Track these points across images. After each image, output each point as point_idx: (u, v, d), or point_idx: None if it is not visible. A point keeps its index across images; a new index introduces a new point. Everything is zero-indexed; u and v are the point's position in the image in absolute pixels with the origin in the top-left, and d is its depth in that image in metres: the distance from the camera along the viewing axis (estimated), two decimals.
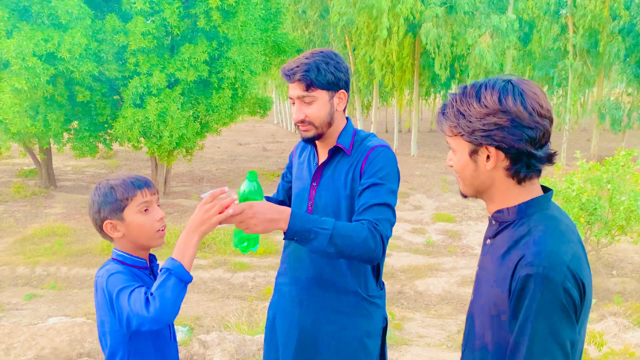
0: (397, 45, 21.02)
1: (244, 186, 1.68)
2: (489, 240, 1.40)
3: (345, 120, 1.88)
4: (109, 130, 15.78)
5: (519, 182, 1.32)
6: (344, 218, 1.82)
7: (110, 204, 1.62)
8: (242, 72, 15.81)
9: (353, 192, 1.81)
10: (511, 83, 1.26)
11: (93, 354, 3.77)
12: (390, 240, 9.89)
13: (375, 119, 27.25)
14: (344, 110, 1.85)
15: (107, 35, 13.67)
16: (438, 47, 19.92)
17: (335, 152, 1.86)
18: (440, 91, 31.61)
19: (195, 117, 15.98)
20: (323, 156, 1.89)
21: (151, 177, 17.94)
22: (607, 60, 22.44)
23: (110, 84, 14.72)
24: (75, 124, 15.62)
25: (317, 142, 1.89)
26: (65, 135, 15.68)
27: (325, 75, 1.72)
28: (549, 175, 10.53)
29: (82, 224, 13.94)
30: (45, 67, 12.24)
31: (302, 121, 1.79)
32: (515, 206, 1.33)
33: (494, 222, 1.39)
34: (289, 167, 2.10)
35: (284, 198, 2.17)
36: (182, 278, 1.50)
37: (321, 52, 1.77)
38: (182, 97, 14.87)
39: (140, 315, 1.42)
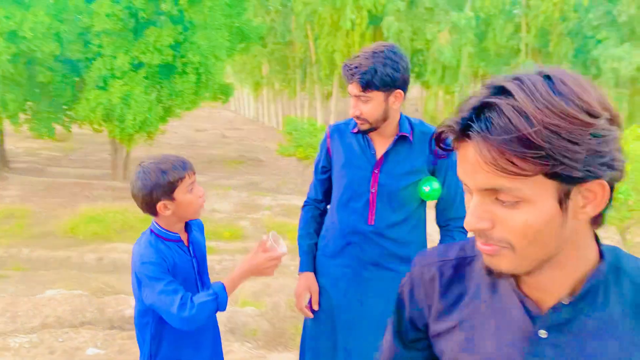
0: (359, 36, 21.45)
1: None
2: (543, 332, 0.81)
3: (399, 113, 2.01)
4: (68, 112, 15.50)
5: (597, 227, 0.80)
6: (406, 201, 1.97)
7: (163, 186, 1.73)
8: (207, 57, 15.80)
9: (420, 176, 1.98)
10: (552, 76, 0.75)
11: (94, 322, 3.98)
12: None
13: (335, 109, 27.65)
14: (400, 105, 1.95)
15: (70, 15, 13.43)
16: (399, 40, 20.46)
17: (398, 140, 1.98)
18: None
19: (158, 101, 15.89)
20: (380, 145, 2.00)
21: (110, 161, 17.71)
22: (557, 60, 23.62)
23: (71, 65, 14.46)
24: (32, 104, 15.26)
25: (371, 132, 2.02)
26: (22, 115, 15.29)
27: (382, 77, 1.81)
28: None
29: (41, 206, 13.71)
30: (6, 46, 11.95)
31: (358, 117, 1.92)
32: (601, 264, 0.80)
33: (565, 302, 0.80)
34: (326, 156, 2.15)
35: (322, 196, 2.22)
36: (220, 306, 1.73)
37: (382, 51, 1.84)
38: (146, 81, 14.76)
39: (172, 313, 1.65)
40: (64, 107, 15.15)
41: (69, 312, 3.91)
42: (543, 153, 0.68)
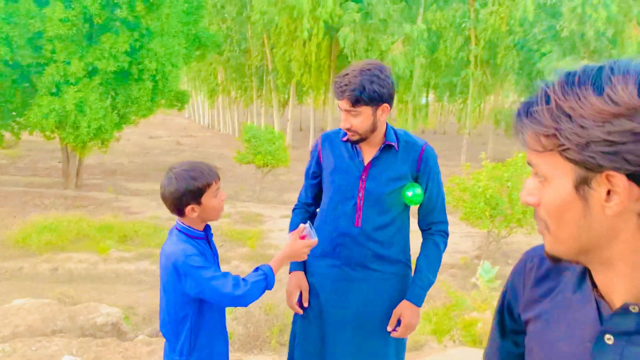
0: (315, 46, 21.74)
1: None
2: (609, 337, 0.81)
3: (386, 123, 2.20)
4: (17, 119, 15.03)
5: None
6: (391, 206, 2.15)
7: (193, 192, 1.89)
8: (164, 64, 15.70)
9: (404, 182, 2.16)
10: None
11: (66, 330, 3.97)
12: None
13: (291, 116, 27.81)
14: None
15: (21, 19, 13.08)
16: (354, 51, 20.87)
17: (384, 149, 2.14)
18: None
19: (113, 108, 15.64)
20: (367, 153, 2.16)
21: (62, 168, 17.25)
22: (504, 71, 24.63)
23: (21, 70, 14.06)
24: None
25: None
26: None
27: (370, 93, 1.98)
28: (457, 174, 11.64)
29: None
30: None
31: (348, 129, 2.07)
32: None
33: (634, 309, 0.79)
34: (317, 163, 2.30)
35: (312, 200, 2.38)
36: (268, 285, 1.92)
37: (369, 69, 2.00)
38: (101, 87, 14.53)
39: (227, 293, 1.83)
40: (13, 113, 14.68)
41: (40, 321, 3.89)
42: (552, 131, 0.73)
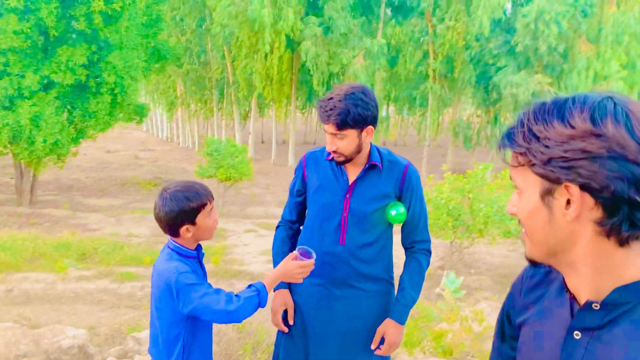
0: (277, 59, 21.80)
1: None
2: (577, 333, 0.92)
3: (370, 144, 2.23)
4: None
5: (621, 244, 0.87)
6: (375, 224, 2.17)
7: (187, 212, 1.90)
8: (123, 77, 15.42)
9: (388, 201, 2.19)
10: (612, 100, 0.88)
11: (30, 355, 3.81)
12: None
13: (253, 129, 27.71)
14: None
15: None
16: (316, 64, 21.04)
17: (369, 168, 2.18)
18: (316, 105, 32.87)
19: (70, 122, 15.22)
20: (352, 172, 2.19)
21: (16, 184, 16.63)
22: (461, 85, 25.27)
23: None
24: None
25: None
26: None
27: (354, 117, 2.01)
28: None
29: None
30: None
31: (335, 151, 2.10)
32: (632, 283, 0.88)
33: (595, 306, 0.90)
34: (301, 181, 2.31)
35: (296, 217, 2.38)
36: (261, 302, 1.91)
37: (352, 93, 2.02)
38: (57, 101, 14.13)
39: (220, 310, 1.83)
40: None
41: (2, 346, 3.73)
42: (524, 150, 0.88)
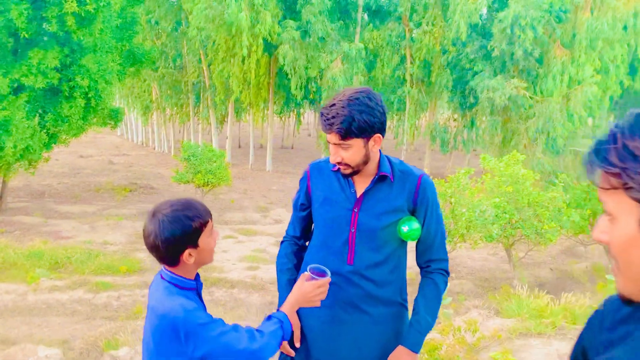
0: (255, 63, 21.59)
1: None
2: None
3: (379, 153, 2.03)
4: None
5: None
6: (386, 241, 1.98)
7: (190, 234, 1.64)
8: (97, 81, 15.04)
9: (400, 215, 1.98)
10: None
11: None
12: (257, 254, 10.12)
13: (230, 134, 27.43)
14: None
15: None
16: (294, 68, 20.90)
17: (378, 180, 1.98)
18: (293, 110, 32.88)
19: (42, 127, 14.77)
20: (360, 184, 2.00)
21: None
22: (438, 89, 25.42)
23: None
24: None
25: None
26: None
27: (360, 125, 1.82)
28: None
29: None
30: None
31: (339, 163, 1.91)
32: None
33: None
34: (305, 194, 2.14)
35: (301, 233, 2.19)
36: (285, 334, 1.73)
37: (357, 99, 1.84)
38: (28, 105, 13.70)
39: (243, 349, 1.60)
40: None
41: None
42: (617, 170, 0.75)
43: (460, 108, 26.41)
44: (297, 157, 33.53)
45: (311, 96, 25.74)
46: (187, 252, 1.67)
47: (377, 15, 26.39)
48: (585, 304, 5.96)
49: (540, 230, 10.20)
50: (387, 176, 2.01)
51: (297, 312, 2.07)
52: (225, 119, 30.87)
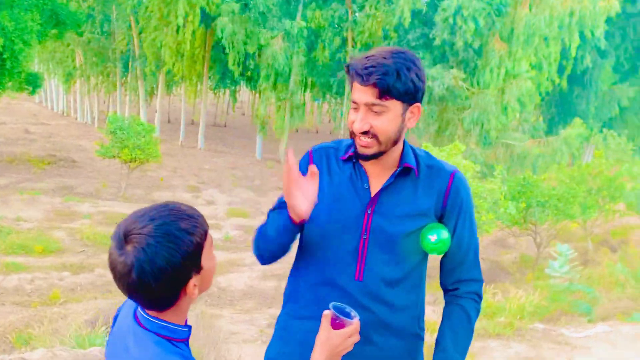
0: (190, 34, 20.49)
1: None
2: None
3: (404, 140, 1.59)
4: None
5: None
6: (407, 253, 1.55)
7: (193, 254, 1.11)
8: (13, 40, 13.64)
9: (425, 221, 1.56)
10: None
11: None
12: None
13: (160, 107, 26.13)
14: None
15: None
16: (232, 42, 20.01)
17: (400, 174, 1.55)
18: (229, 86, 31.77)
19: None
20: (376, 178, 1.55)
21: None
22: None
23: None
24: None
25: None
26: None
27: (405, 83, 1.40)
28: None
29: None
30: None
31: (366, 132, 1.44)
32: None
33: None
34: None
35: (289, 238, 1.58)
36: None
37: (402, 52, 1.44)
38: None
39: None
40: None
41: None
42: None
43: None
44: (230, 135, 32.56)
45: (248, 73, 24.90)
46: (191, 282, 1.13)
47: None
48: (534, 300, 5.88)
49: (478, 222, 10.24)
50: (411, 169, 1.55)
51: (285, 338, 1.63)
52: (155, 92, 29.39)
